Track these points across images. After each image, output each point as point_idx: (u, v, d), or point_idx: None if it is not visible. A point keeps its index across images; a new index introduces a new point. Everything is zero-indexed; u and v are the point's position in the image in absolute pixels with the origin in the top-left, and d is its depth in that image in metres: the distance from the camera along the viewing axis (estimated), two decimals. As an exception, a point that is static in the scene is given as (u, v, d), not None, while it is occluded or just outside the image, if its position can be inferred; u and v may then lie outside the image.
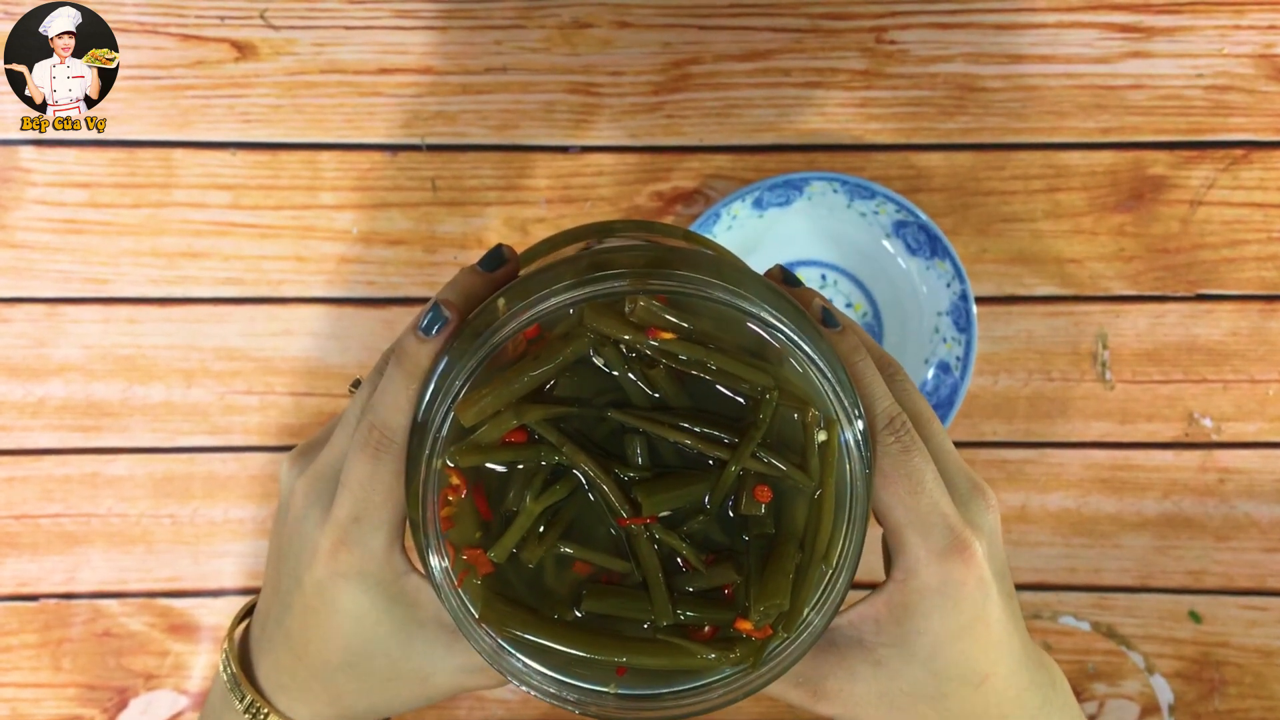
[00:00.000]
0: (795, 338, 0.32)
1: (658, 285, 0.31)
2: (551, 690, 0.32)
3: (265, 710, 0.37)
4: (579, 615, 0.33)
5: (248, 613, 0.39)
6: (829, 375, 0.32)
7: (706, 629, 0.32)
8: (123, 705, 0.62)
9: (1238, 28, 0.58)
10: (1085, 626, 0.62)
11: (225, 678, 0.38)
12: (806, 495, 0.32)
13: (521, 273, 0.35)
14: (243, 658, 0.38)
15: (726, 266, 0.33)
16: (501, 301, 0.32)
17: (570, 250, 0.38)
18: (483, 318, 0.32)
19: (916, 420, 0.35)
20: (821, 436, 0.32)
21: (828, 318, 0.35)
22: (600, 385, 0.32)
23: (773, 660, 0.32)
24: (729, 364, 0.31)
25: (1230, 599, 0.62)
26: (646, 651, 0.32)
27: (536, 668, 0.32)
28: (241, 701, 0.37)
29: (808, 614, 0.32)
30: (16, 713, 0.62)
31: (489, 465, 0.32)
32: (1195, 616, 0.62)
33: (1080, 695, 0.63)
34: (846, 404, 0.32)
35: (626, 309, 0.31)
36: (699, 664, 0.32)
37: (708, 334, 0.32)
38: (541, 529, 0.32)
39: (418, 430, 0.32)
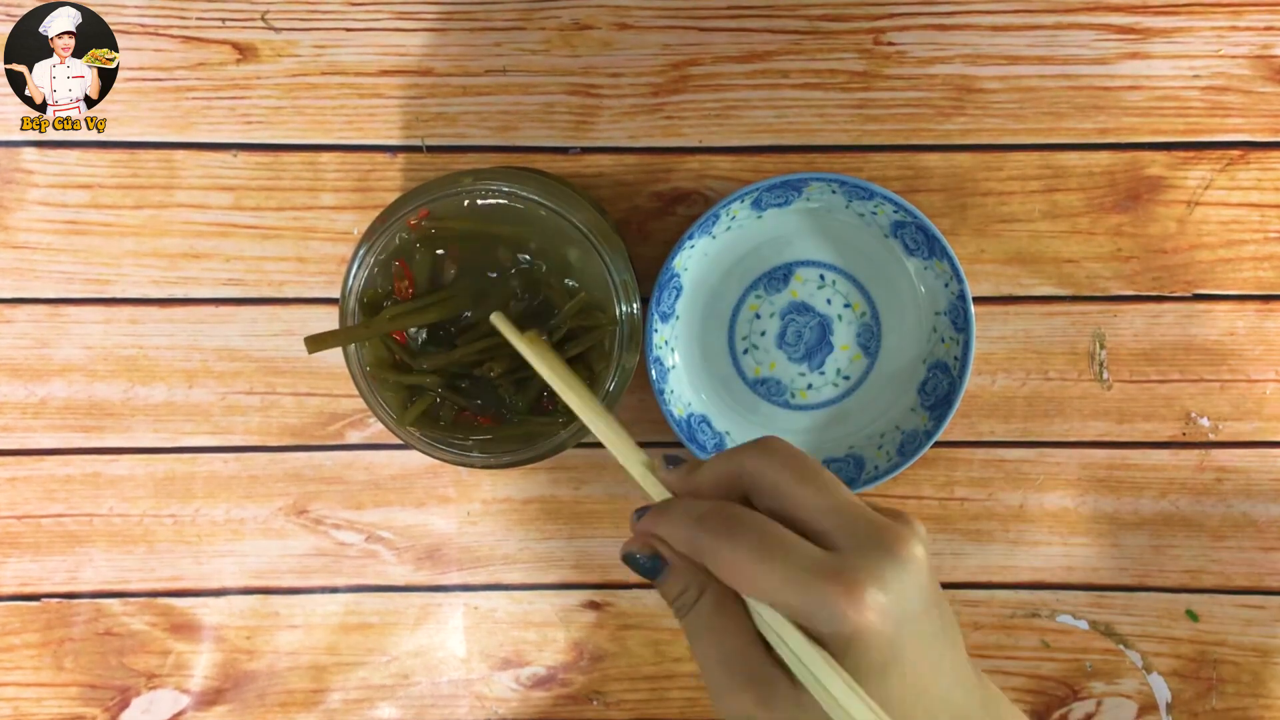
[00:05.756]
0: (581, 228, 0.46)
1: (489, 187, 0.47)
2: (448, 458, 0.49)
3: None
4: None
5: None
6: (606, 256, 0.47)
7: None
8: (124, 705, 0.62)
9: (1235, 29, 0.58)
10: (1083, 625, 0.62)
11: None
12: (603, 331, 0.48)
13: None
14: None
15: (546, 185, 0.49)
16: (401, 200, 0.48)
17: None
18: (392, 211, 0.48)
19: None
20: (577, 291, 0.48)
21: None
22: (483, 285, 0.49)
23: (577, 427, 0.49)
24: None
25: (1227, 598, 0.62)
26: (509, 427, 0.49)
27: (441, 448, 0.49)
28: None
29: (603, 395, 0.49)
30: (19, 712, 0.62)
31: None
32: (1192, 615, 0.62)
33: (1078, 693, 0.63)
34: (619, 280, 0.47)
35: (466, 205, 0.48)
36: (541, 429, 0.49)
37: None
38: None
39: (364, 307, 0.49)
